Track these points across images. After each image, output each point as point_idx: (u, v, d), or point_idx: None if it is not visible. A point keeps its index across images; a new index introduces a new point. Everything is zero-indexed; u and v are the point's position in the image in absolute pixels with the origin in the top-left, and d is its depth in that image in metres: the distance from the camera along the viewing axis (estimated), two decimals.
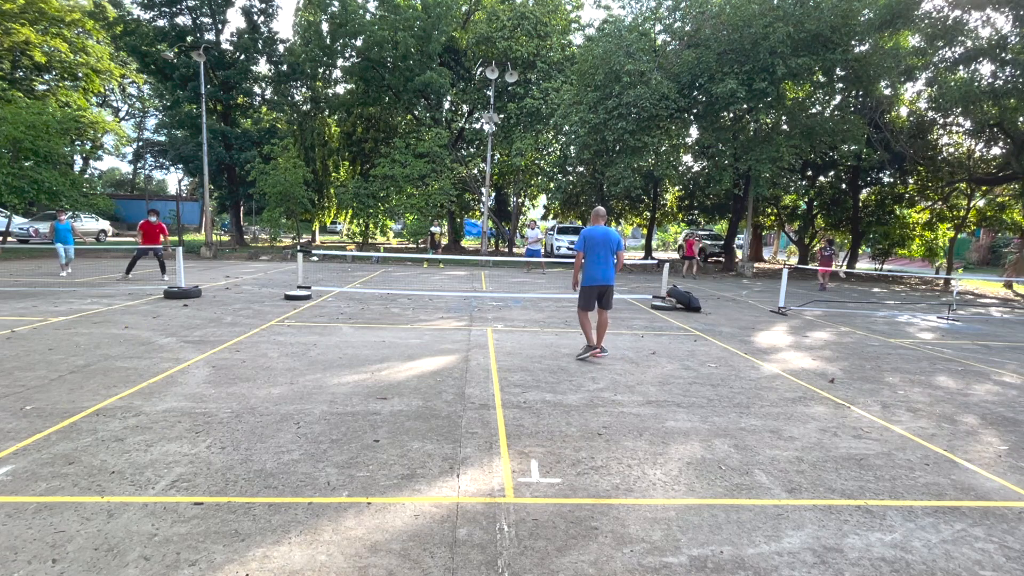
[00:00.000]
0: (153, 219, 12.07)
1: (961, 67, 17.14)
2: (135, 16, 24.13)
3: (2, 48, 23.53)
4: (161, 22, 24.09)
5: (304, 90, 28.46)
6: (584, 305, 6.08)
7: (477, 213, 30.38)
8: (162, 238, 12.05)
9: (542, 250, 13.22)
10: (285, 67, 25.93)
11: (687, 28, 18.78)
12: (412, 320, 8.12)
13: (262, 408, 4.08)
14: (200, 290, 9.85)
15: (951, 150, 21.95)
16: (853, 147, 18.29)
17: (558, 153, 24.40)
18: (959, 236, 24.56)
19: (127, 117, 39.71)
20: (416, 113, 26.99)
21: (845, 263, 25.34)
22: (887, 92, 19.48)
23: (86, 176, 32.45)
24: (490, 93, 22.45)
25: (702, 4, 18.10)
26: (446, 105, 27.64)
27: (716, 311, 10.25)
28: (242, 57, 25.36)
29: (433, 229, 16.89)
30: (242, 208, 29.51)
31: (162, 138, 31.07)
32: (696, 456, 3.50)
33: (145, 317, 7.54)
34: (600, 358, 6.06)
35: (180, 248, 10.22)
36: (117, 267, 14.45)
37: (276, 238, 29.60)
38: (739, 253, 24.92)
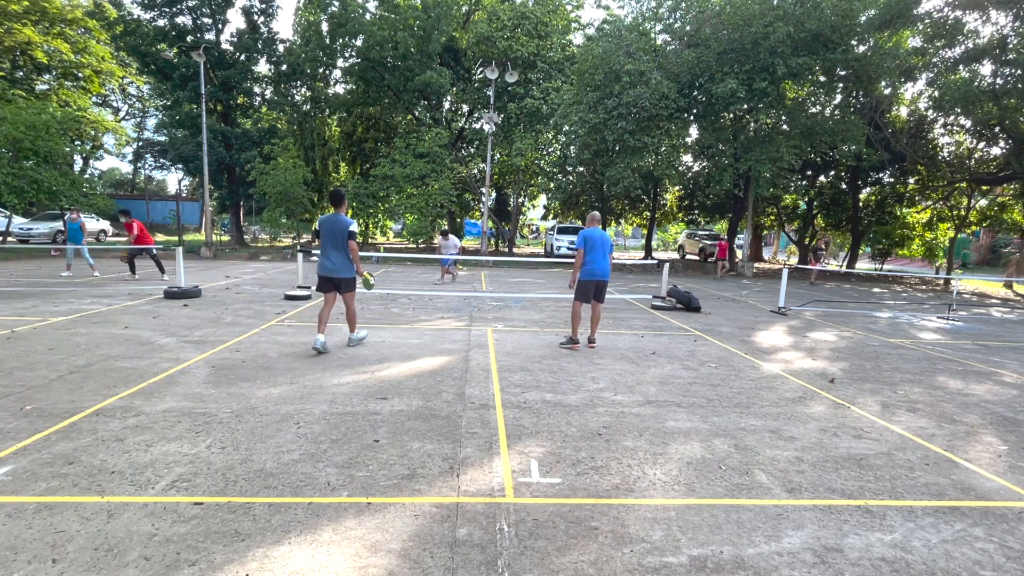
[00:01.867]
0: (123, 219, 11.93)
1: (961, 67, 17.14)
2: (135, 16, 24.14)
3: (3, 48, 23.54)
4: (161, 22, 24.10)
5: (304, 90, 28.47)
6: (581, 297, 6.54)
7: (477, 213, 30.38)
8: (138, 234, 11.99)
9: (451, 259, 13.60)
10: (285, 67, 25.93)
11: (687, 28, 18.78)
12: (412, 320, 8.12)
13: (262, 408, 4.08)
14: (200, 290, 9.85)
15: (951, 150, 21.96)
16: (853, 147, 18.29)
17: (558, 153, 24.41)
18: (959, 236, 24.56)
19: (127, 117, 39.71)
20: (416, 113, 27.00)
21: (845, 263, 25.34)
22: (887, 92, 19.49)
23: (86, 176, 32.44)
24: (490, 93, 22.45)
25: (702, 4, 18.10)
26: (446, 105, 27.66)
27: (716, 311, 10.25)
28: (242, 57, 25.37)
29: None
30: (242, 208, 29.52)
31: (162, 138, 31.08)
32: (696, 456, 3.50)
33: (145, 317, 7.54)
34: (592, 349, 6.51)
35: (180, 248, 10.23)
36: (117, 267, 14.44)
37: (276, 238, 29.63)
38: (739, 253, 24.92)
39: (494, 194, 30.53)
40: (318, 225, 5.88)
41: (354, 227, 5.80)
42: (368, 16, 23.19)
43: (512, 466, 3.25)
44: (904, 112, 21.81)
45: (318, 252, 5.99)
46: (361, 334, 6.40)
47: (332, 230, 5.73)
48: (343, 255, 5.78)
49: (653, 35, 19.64)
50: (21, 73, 25.45)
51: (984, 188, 22.36)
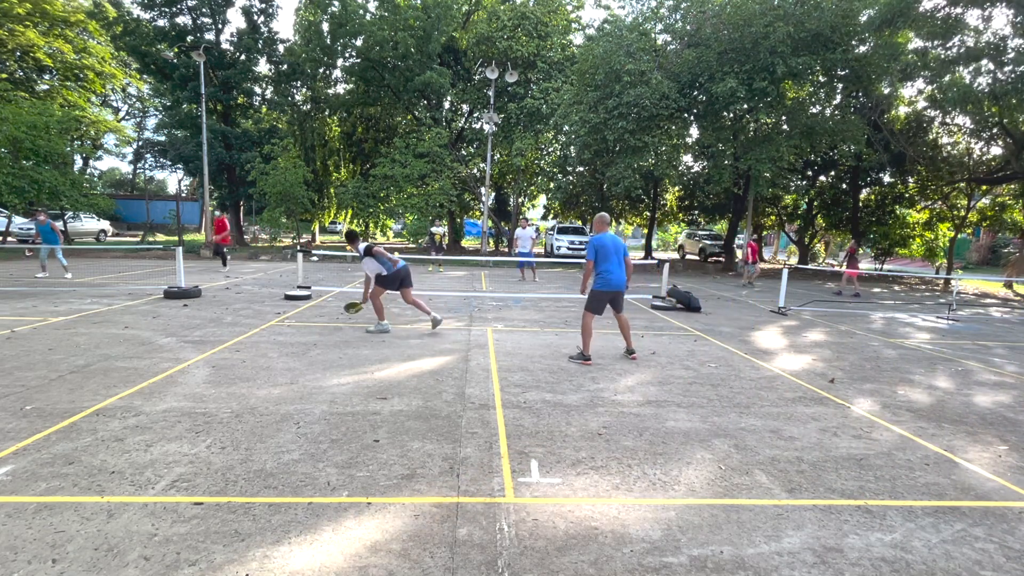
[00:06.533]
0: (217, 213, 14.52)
1: (961, 67, 17.13)
2: (135, 16, 24.13)
3: (5, 49, 23.55)
4: (161, 22, 24.08)
5: (304, 90, 28.45)
6: (594, 309, 5.85)
7: (477, 213, 30.40)
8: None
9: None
10: (285, 67, 25.92)
11: (687, 27, 18.78)
12: (412, 320, 8.12)
13: (262, 408, 4.08)
14: (200, 290, 9.85)
15: (951, 150, 21.96)
16: (853, 147, 18.29)
17: (558, 153, 24.40)
18: (959, 236, 24.55)
19: (127, 117, 39.70)
20: (416, 113, 26.99)
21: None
22: (887, 92, 19.48)
23: (86, 176, 32.44)
24: (490, 93, 22.45)
25: (703, 3, 18.09)
26: (446, 105, 27.65)
27: (716, 311, 10.25)
28: (242, 57, 25.36)
29: (434, 230, 16.60)
30: (242, 208, 29.50)
31: (162, 138, 31.06)
32: (696, 456, 3.50)
33: (145, 317, 7.55)
34: (634, 360, 5.99)
35: (180, 248, 10.23)
36: (117, 267, 14.46)
37: (276, 238, 29.62)
38: (739, 253, 24.92)
39: (494, 194, 30.54)
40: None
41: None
42: (368, 16, 23.18)
43: (512, 466, 3.25)
44: (904, 112, 21.81)
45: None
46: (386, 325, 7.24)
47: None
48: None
49: (653, 35, 19.62)
50: (21, 73, 25.45)
51: (984, 188, 22.35)
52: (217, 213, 15.11)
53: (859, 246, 15.36)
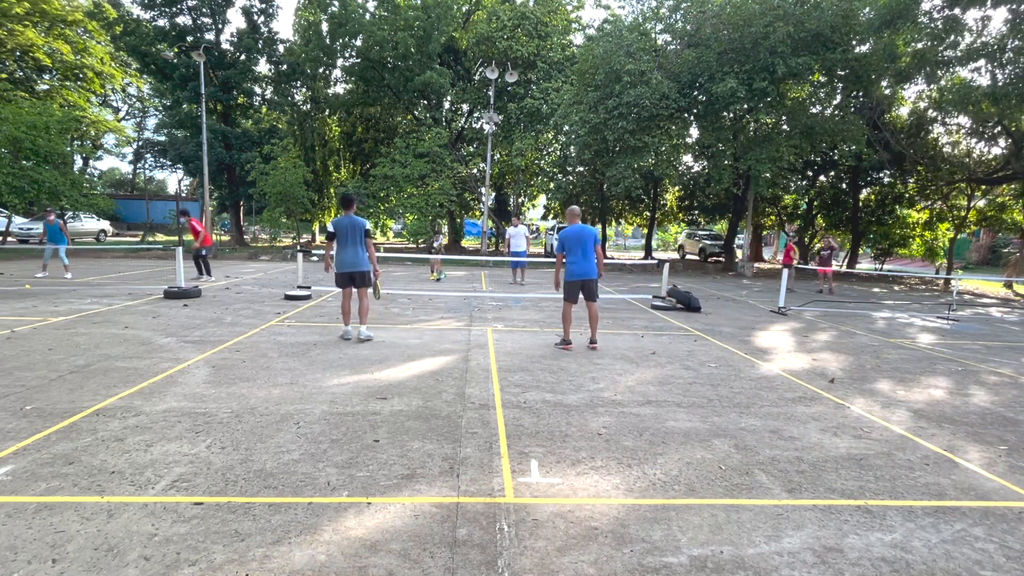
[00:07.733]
0: (183, 219, 12.71)
1: (960, 67, 17.14)
2: (135, 16, 24.16)
3: (5, 49, 23.55)
4: (161, 22, 24.13)
5: (304, 90, 28.47)
6: (569, 298, 6.51)
7: (477, 213, 30.39)
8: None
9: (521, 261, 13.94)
10: (285, 67, 25.94)
11: (687, 28, 18.78)
12: (412, 320, 8.12)
13: (262, 408, 4.08)
14: (200, 290, 9.85)
15: (951, 150, 21.97)
16: (853, 147, 18.29)
17: (558, 153, 24.41)
18: (959, 236, 24.55)
19: (127, 117, 39.72)
20: (416, 113, 27.01)
21: (845, 263, 25.34)
22: (887, 92, 19.49)
23: (86, 176, 32.44)
24: (490, 93, 22.45)
25: (703, 3, 18.10)
26: (446, 105, 27.67)
27: (716, 311, 10.24)
28: (242, 57, 25.38)
29: (436, 244, 15.89)
30: (242, 208, 29.50)
31: (162, 138, 31.09)
32: (696, 456, 3.50)
33: (145, 317, 7.54)
34: (594, 350, 6.48)
35: (180, 248, 10.23)
36: (117, 267, 14.45)
37: (276, 238, 29.63)
38: (739, 253, 24.93)
39: (494, 194, 30.54)
40: (332, 227, 6.37)
41: (369, 225, 6.50)
42: (368, 16, 23.19)
43: (512, 466, 3.25)
44: (904, 112, 21.82)
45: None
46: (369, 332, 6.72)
47: (351, 229, 6.32)
48: (362, 251, 6.41)
49: (653, 35, 19.63)
50: (21, 73, 25.45)
51: (983, 188, 22.35)
52: (182, 220, 12.54)
53: (832, 248, 15.83)
